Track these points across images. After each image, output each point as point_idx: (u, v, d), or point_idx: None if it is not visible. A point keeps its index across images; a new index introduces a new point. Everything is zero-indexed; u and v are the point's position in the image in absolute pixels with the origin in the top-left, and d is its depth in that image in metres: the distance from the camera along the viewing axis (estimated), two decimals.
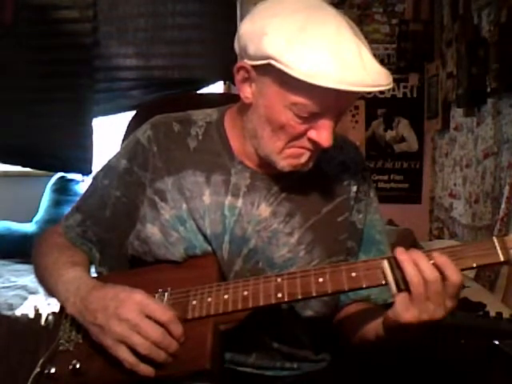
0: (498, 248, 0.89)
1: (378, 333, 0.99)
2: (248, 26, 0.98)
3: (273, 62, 0.92)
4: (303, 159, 1.02)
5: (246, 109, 1.05)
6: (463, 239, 2.88)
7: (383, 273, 0.92)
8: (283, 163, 1.03)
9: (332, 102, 0.95)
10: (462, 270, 0.91)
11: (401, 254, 0.90)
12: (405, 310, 0.89)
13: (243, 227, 1.07)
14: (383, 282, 0.92)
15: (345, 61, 0.90)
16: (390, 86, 0.95)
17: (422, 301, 0.88)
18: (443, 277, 0.88)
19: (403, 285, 0.90)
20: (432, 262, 0.89)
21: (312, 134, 0.99)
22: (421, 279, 0.88)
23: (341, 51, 0.91)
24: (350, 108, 1.05)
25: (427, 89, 3.46)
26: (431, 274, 0.88)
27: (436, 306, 0.88)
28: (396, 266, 0.91)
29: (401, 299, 0.90)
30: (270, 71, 0.94)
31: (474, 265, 0.90)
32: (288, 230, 1.07)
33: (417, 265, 0.89)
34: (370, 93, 0.99)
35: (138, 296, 0.96)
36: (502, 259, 0.89)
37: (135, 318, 0.94)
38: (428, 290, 0.88)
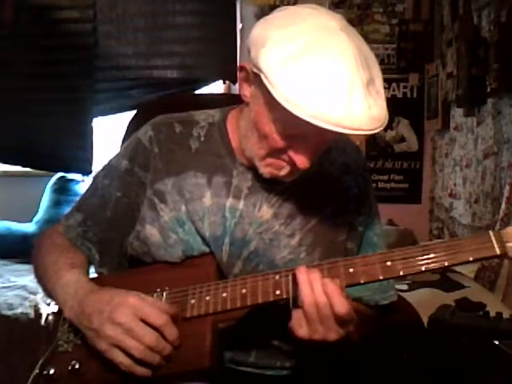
0: (495, 242, 0.90)
1: None
2: (257, 30, 0.97)
3: (262, 75, 0.92)
4: (283, 172, 1.02)
5: (245, 107, 1.05)
6: None
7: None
8: (264, 170, 1.03)
9: (311, 132, 0.93)
10: (459, 263, 0.92)
11: (300, 273, 0.92)
12: (298, 327, 0.91)
13: (244, 229, 1.07)
14: (380, 278, 0.94)
15: (328, 97, 0.87)
16: (375, 132, 0.90)
17: (313, 321, 0.90)
18: (331, 304, 0.89)
19: (300, 302, 0.92)
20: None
21: (291, 152, 0.98)
22: (312, 301, 0.90)
23: (328, 86, 0.87)
24: (334, 139, 1.02)
25: (427, 89, 3.46)
26: (320, 297, 0.90)
27: (326, 329, 0.90)
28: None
29: (296, 315, 0.92)
30: (261, 82, 0.93)
31: (471, 258, 0.91)
32: (289, 231, 1.07)
33: (311, 286, 0.90)
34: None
35: (133, 300, 0.96)
36: (498, 252, 0.90)
37: (129, 322, 0.94)
38: (318, 312, 0.89)
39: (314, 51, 0.90)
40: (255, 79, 0.98)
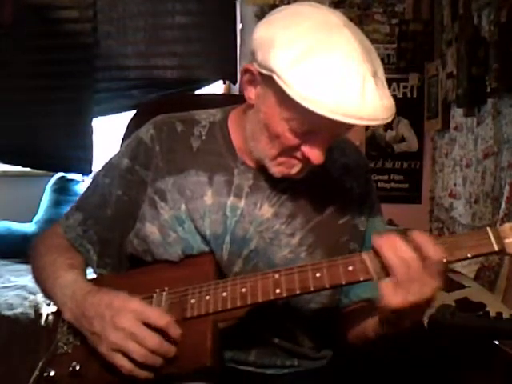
0: (492, 238, 0.90)
1: (376, 329, 1.00)
2: (261, 32, 0.98)
3: (275, 76, 0.92)
4: (294, 170, 1.03)
5: (249, 109, 1.05)
6: None
7: (365, 264, 0.92)
8: (275, 170, 1.04)
9: (327, 126, 0.95)
10: (458, 260, 0.92)
11: (377, 240, 0.91)
12: (392, 296, 0.89)
13: (245, 228, 1.07)
14: None
15: (343, 91, 0.89)
16: (388, 121, 0.93)
17: (405, 282, 0.88)
18: (423, 256, 0.88)
19: (385, 271, 0.90)
20: (410, 242, 0.89)
21: (305, 148, 0.99)
22: (400, 260, 0.88)
23: (342, 81, 0.90)
24: (348, 132, 1.04)
25: (427, 89, 3.46)
26: (409, 253, 0.88)
27: (421, 285, 0.88)
28: (376, 254, 0.91)
29: (385, 286, 0.90)
30: (272, 83, 0.94)
31: (469, 255, 0.91)
32: (289, 231, 1.08)
33: (394, 247, 0.89)
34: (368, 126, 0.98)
35: (134, 304, 0.96)
36: (496, 249, 0.90)
37: (132, 326, 0.94)
38: (409, 270, 0.88)
39: (323, 48, 0.91)
40: (262, 80, 0.99)
